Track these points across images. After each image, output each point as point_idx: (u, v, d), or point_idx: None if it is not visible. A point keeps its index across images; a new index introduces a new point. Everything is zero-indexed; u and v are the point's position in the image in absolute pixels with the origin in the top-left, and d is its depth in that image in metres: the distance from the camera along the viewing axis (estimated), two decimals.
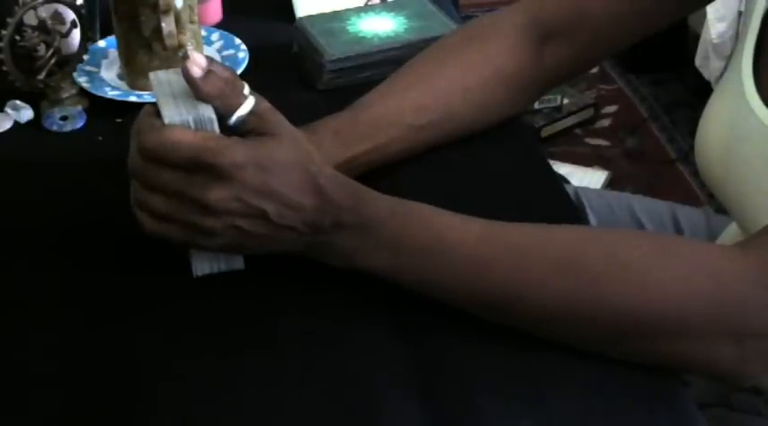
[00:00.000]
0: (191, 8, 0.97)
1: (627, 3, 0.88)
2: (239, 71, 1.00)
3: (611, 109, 2.59)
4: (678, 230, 1.08)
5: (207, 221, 0.66)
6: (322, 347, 0.69)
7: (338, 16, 1.07)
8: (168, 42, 0.94)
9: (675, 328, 0.65)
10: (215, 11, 1.15)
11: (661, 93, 2.63)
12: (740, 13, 2.14)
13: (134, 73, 0.98)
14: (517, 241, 0.69)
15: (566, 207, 0.85)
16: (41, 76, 0.95)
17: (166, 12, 0.93)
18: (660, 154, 2.41)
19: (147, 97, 0.95)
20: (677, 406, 0.65)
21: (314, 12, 1.09)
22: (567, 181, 1.74)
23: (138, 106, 0.77)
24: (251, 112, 0.67)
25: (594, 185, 2.20)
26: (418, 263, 0.68)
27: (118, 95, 0.97)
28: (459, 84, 0.87)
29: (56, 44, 0.96)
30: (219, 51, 1.05)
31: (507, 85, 0.89)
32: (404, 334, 0.70)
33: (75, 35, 0.98)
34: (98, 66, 1.02)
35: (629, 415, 0.65)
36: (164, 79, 0.70)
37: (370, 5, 1.11)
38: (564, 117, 2.46)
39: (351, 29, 1.04)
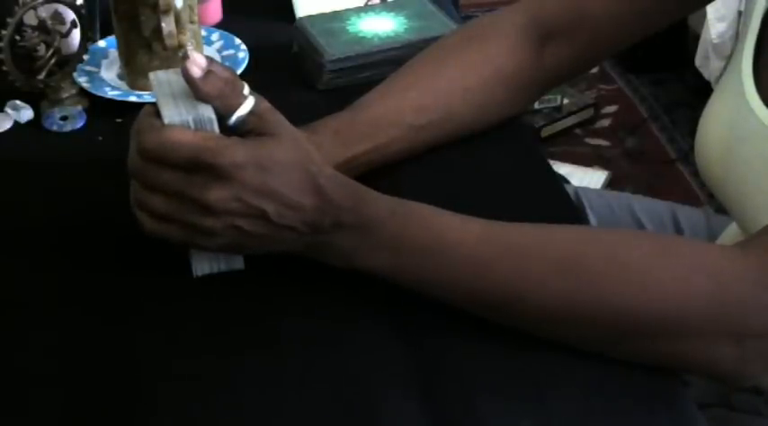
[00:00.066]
0: (191, 8, 0.97)
1: (627, 3, 0.88)
2: (239, 71, 1.00)
3: (611, 109, 2.59)
4: (678, 230, 1.08)
5: (207, 221, 0.66)
6: (322, 347, 0.69)
7: (338, 16, 1.07)
8: (168, 42, 0.94)
9: (675, 328, 0.65)
10: (215, 11, 1.15)
11: (661, 93, 2.63)
12: (740, 13, 2.14)
13: (134, 73, 0.98)
14: (517, 241, 0.69)
15: (566, 207, 0.85)
16: (41, 76, 0.95)
17: (166, 12, 0.93)
18: (660, 154, 2.41)
19: (147, 97, 0.95)
20: (677, 406, 0.65)
21: (314, 12, 1.09)
22: (567, 181, 1.74)
23: (138, 106, 0.77)
24: (251, 112, 0.67)
25: (594, 185, 2.20)
26: (418, 263, 0.68)
27: (118, 95, 0.97)
28: (459, 84, 0.87)
29: (56, 44, 0.96)
30: (219, 51, 1.05)
31: (507, 85, 0.89)
32: (404, 334, 0.70)
33: (75, 35, 0.98)
34: (98, 66, 1.02)
35: (629, 415, 0.65)
36: (163, 79, 0.70)
37: (370, 5, 1.11)
38: (564, 117, 2.46)
39: (351, 29, 1.04)
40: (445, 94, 0.87)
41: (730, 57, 0.86)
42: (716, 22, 2.21)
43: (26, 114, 0.96)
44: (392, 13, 1.07)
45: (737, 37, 1.66)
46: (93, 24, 1.04)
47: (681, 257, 0.66)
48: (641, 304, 0.64)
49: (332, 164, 0.75)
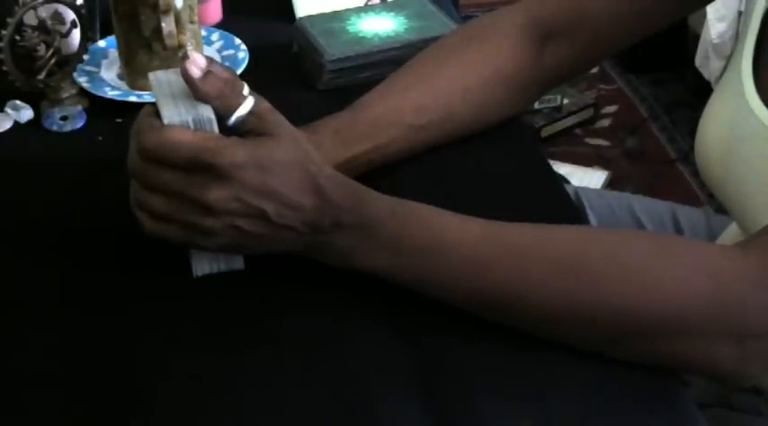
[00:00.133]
0: (191, 8, 0.97)
1: (627, 3, 0.88)
2: (239, 71, 1.00)
3: (611, 109, 2.59)
4: (678, 230, 1.08)
5: (206, 221, 0.66)
6: (322, 347, 0.69)
7: (338, 16, 1.07)
8: (168, 42, 0.94)
9: (675, 328, 0.65)
10: (215, 11, 1.15)
11: (661, 93, 2.63)
12: (740, 13, 2.14)
13: (134, 73, 0.98)
14: (517, 241, 0.69)
15: (566, 207, 0.84)
16: (41, 76, 0.95)
17: (166, 12, 0.93)
18: (660, 154, 2.41)
19: (146, 97, 0.95)
20: (677, 406, 0.65)
21: (314, 12, 1.09)
22: (567, 181, 1.74)
23: (138, 106, 0.77)
24: (250, 112, 0.67)
25: (594, 185, 2.20)
26: (418, 263, 0.68)
27: (118, 95, 0.97)
28: (459, 84, 0.87)
29: (56, 44, 0.96)
30: (219, 51, 1.05)
31: (507, 85, 0.89)
32: (404, 334, 0.69)
33: (75, 35, 0.98)
34: (98, 66, 1.02)
35: (629, 415, 0.65)
36: (163, 79, 0.70)
37: (370, 5, 1.11)
38: (564, 117, 2.46)
39: (351, 29, 1.04)
40: (445, 94, 0.87)
41: (730, 58, 0.86)
42: (716, 22, 2.21)
43: (26, 114, 0.96)
44: (392, 13, 1.07)
45: (737, 37, 1.67)
46: (93, 24, 1.04)
47: (681, 257, 0.66)
48: (641, 304, 0.64)
49: (332, 163, 0.75)
